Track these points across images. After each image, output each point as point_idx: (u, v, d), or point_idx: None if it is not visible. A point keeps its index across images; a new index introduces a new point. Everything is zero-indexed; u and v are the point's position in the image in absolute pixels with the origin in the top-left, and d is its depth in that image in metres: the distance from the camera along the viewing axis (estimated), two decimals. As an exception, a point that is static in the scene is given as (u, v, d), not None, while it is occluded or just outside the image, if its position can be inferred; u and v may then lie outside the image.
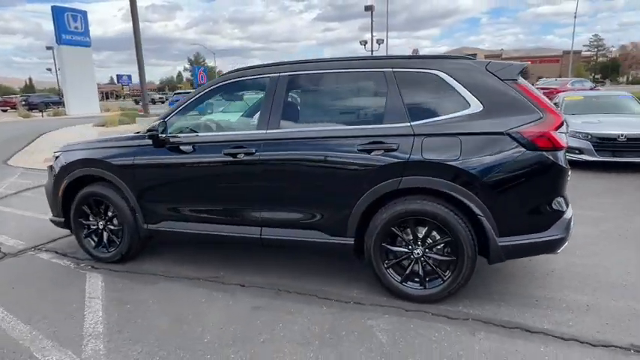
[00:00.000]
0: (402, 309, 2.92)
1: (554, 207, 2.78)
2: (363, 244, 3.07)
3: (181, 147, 3.45)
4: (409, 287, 3.01)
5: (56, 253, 4.24)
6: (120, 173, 3.67)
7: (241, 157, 3.24)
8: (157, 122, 3.50)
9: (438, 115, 2.88)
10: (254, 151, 3.20)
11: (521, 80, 2.88)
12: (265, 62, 3.51)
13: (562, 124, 2.75)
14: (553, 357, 2.39)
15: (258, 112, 3.46)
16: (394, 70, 3.03)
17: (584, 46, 73.40)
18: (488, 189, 2.72)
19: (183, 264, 3.83)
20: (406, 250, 2.99)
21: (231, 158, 3.27)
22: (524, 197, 2.75)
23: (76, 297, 3.27)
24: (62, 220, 4.05)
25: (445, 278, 2.91)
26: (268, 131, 3.22)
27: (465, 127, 2.78)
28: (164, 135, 3.44)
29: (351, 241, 3.08)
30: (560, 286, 3.16)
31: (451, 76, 2.90)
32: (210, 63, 72.97)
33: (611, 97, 9.39)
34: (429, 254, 2.94)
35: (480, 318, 2.78)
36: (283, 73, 3.29)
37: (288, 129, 3.21)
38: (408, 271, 3.01)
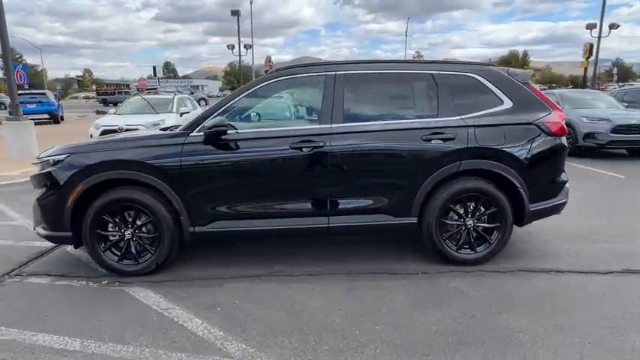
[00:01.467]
0: (464, 272, 3.51)
1: (562, 178, 3.74)
2: (422, 222, 3.56)
3: (240, 143, 3.41)
4: (463, 253, 3.62)
5: (50, 275, 3.60)
6: (162, 175, 3.39)
7: (308, 150, 3.39)
8: (208, 121, 3.37)
9: (481, 110, 3.57)
10: (322, 144, 3.39)
11: (530, 83, 3.77)
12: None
13: (563, 117, 3.72)
14: (581, 282, 3.28)
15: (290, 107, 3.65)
16: (440, 72, 3.61)
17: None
18: (524, 166, 3.51)
19: (228, 265, 3.72)
20: (460, 222, 3.60)
21: (299, 152, 3.40)
22: (545, 171, 3.63)
23: (145, 313, 2.96)
24: (68, 234, 3.48)
25: (492, 242, 3.61)
26: (333, 125, 3.45)
27: (504, 120, 3.53)
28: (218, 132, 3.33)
29: (414, 219, 3.54)
30: (556, 241, 4.17)
31: (485, 79, 3.62)
32: (30, 60, 61.92)
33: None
34: (478, 224, 3.60)
35: (523, 269, 3.56)
36: (339, 72, 3.56)
37: (353, 123, 3.49)
38: (462, 240, 3.62)
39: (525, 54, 71.97)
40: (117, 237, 3.52)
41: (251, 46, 30.57)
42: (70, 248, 4.23)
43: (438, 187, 3.51)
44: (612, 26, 24.11)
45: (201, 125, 3.47)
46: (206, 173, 3.44)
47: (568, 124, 10.14)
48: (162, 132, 3.70)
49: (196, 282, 3.44)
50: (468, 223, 3.59)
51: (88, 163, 3.41)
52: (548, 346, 2.48)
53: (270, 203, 3.51)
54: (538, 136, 3.55)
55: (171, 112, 10.84)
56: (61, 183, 3.42)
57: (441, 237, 3.57)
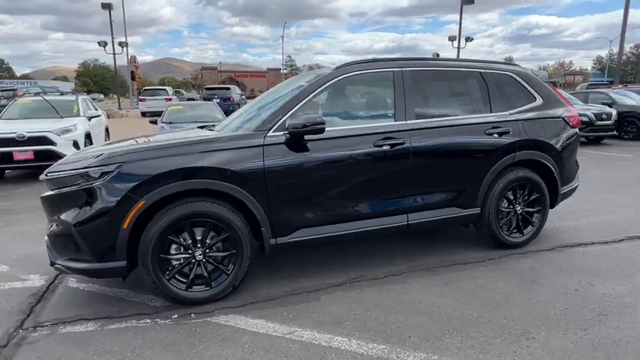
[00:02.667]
0: (519, 254, 3.83)
1: (578, 164, 4.33)
2: (482, 211, 3.78)
3: (323, 142, 3.16)
4: (514, 237, 3.94)
5: (89, 319, 2.84)
6: (242, 182, 2.95)
7: (390, 147, 3.32)
8: (289, 119, 3.04)
9: (521, 106, 3.93)
10: (402, 141, 3.36)
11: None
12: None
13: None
14: (590, 253, 3.89)
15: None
16: (486, 70, 3.88)
17: (282, 64, 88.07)
18: (557, 155, 3.99)
19: (299, 277, 3.41)
20: (510, 209, 3.91)
21: (382, 149, 3.30)
22: (569, 158, 4.16)
23: (268, 341, 2.55)
24: (122, 264, 2.79)
25: (534, 224, 4.01)
26: (409, 122, 3.44)
27: (540, 114, 3.95)
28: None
29: (478, 210, 3.74)
30: (559, 219, 4.79)
31: (520, 77, 4.01)
32: None
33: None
34: (525, 209, 3.96)
35: (560, 245, 4.04)
36: (405, 68, 3.56)
37: (425, 119, 3.52)
38: (512, 225, 3.94)
39: (386, 61, 79.93)
40: (182, 260, 2.94)
41: (127, 44, 27.61)
42: (75, 282, 3.39)
43: (496, 178, 3.75)
44: (468, 39, 28.36)
45: (278, 124, 3.12)
46: (292, 176, 3.10)
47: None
48: (228, 133, 3.19)
49: (284, 299, 3.08)
50: (517, 209, 3.93)
51: (151, 173, 2.78)
52: (651, 305, 2.90)
53: (353, 205, 3.32)
54: (564, 128, 4.06)
55: (77, 115, 9.24)
56: (115, 200, 2.72)
57: (497, 223, 3.84)
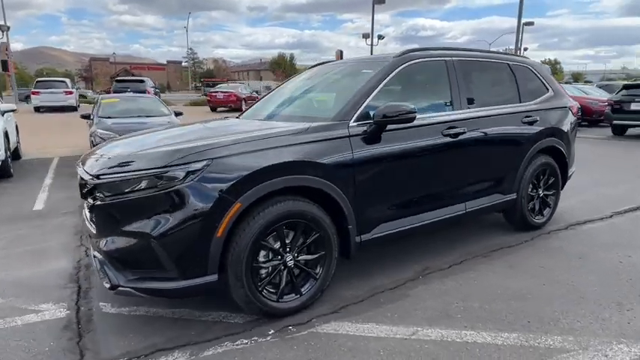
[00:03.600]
0: (541, 235, 4.12)
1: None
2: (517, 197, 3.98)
3: (401, 132, 3.03)
4: (537, 219, 4.22)
5: (180, 347, 2.37)
6: (332, 176, 2.70)
7: (454, 137, 3.33)
8: (381, 109, 2.85)
9: (540, 96, 4.21)
10: (463, 130, 3.38)
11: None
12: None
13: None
14: (600, 229, 4.38)
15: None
16: (512, 62, 4.07)
17: (183, 57, 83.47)
18: (568, 141, 4.36)
19: (368, 276, 3.25)
20: (534, 193, 4.17)
21: (449, 139, 3.29)
22: (573, 144, 4.57)
23: (402, 345, 2.38)
24: (214, 278, 2.38)
25: (551, 206, 4.34)
26: (465, 111, 3.48)
27: (554, 104, 4.27)
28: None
29: (515, 195, 3.92)
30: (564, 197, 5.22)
31: (536, 70, 4.29)
32: None
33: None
34: (545, 192, 4.26)
35: (571, 224, 4.43)
36: (454, 58, 3.58)
37: (477, 108, 3.58)
38: (537, 208, 4.21)
39: (292, 56, 79.87)
40: (270, 267, 2.60)
41: (8, 28, 23.56)
42: (110, 307, 2.83)
43: (528, 165, 3.97)
44: (380, 37, 29.75)
45: (357, 113, 2.91)
46: (377, 169, 2.92)
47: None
48: (313, 123, 2.85)
49: (372, 299, 2.90)
50: (540, 192, 4.21)
51: (246, 170, 2.39)
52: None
53: (426, 195, 3.26)
54: (570, 117, 4.45)
55: (-11, 110, 7.67)
56: (206, 204, 2.30)
57: (527, 208, 4.08)
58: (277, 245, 2.58)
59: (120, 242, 2.36)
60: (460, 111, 3.44)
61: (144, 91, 19.47)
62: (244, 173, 2.38)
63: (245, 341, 2.43)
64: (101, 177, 2.40)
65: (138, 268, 2.37)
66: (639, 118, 11.34)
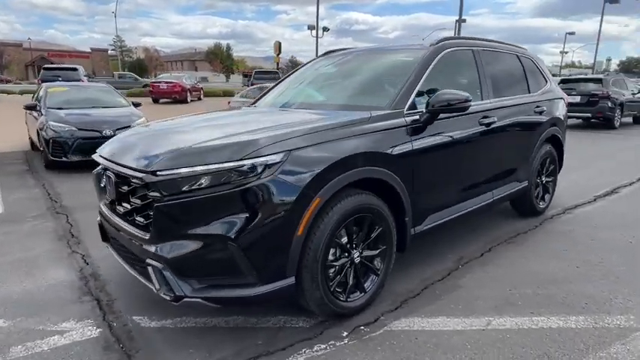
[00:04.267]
0: (545, 219, 4.33)
1: (563, 137, 5.07)
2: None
3: (446, 122, 2.98)
4: (541, 205, 4.42)
5: (259, 358, 2.14)
6: (396, 167, 2.59)
7: (486, 126, 3.36)
8: (438, 97, 2.76)
9: (541, 87, 4.39)
10: (494, 119, 3.43)
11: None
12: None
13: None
14: (595, 212, 4.73)
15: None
16: (519, 54, 4.20)
17: (109, 45, 77.55)
18: (564, 129, 4.60)
19: (413, 267, 3.19)
20: (539, 180, 4.36)
21: (484, 128, 3.31)
22: (564, 131, 4.83)
23: (492, 337, 2.35)
24: (291, 281, 2.18)
25: (551, 192, 4.56)
26: (491, 100, 3.52)
27: (553, 95, 4.48)
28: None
29: (526, 183, 4.07)
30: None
31: (535, 62, 4.46)
32: None
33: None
34: (547, 179, 4.46)
35: (566, 208, 4.69)
36: (480, 48, 3.60)
37: (500, 98, 3.63)
38: (540, 194, 4.41)
39: (229, 47, 77.63)
40: (338, 266, 2.44)
41: None
42: (149, 321, 2.51)
43: (537, 153, 4.13)
44: (325, 29, 29.72)
45: (409, 102, 2.81)
46: (430, 159, 2.86)
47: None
48: (366, 113, 2.67)
49: (428, 292, 2.84)
50: (543, 179, 4.41)
51: (324, 162, 2.21)
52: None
53: (466, 184, 3.27)
54: (563, 107, 4.70)
55: None
56: (288, 199, 2.08)
57: (535, 194, 4.26)
58: (345, 241, 2.43)
59: (186, 247, 2.06)
60: (489, 100, 3.47)
61: (78, 80, 17.81)
62: (323, 166, 2.19)
63: (323, 346, 2.26)
64: (160, 173, 2.08)
65: (207, 275, 2.10)
66: (577, 110, 12.41)
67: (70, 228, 4.10)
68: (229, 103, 13.58)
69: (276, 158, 2.08)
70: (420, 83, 2.93)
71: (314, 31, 28.64)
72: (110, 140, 2.86)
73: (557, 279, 3.02)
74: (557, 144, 4.50)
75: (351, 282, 2.48)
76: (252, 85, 24.58)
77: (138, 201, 2.22)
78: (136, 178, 2.18)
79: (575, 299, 2.73)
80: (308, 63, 4.13)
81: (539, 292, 2.84)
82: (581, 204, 4.87)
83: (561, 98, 4.62)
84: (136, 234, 2.24)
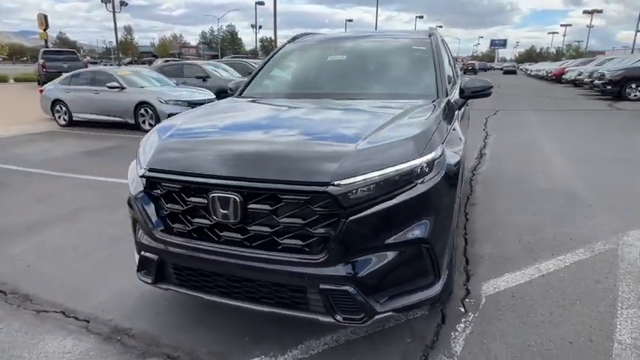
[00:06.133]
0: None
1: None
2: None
3: None
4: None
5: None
6: None
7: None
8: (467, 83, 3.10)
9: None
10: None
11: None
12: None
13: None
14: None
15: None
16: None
17: None
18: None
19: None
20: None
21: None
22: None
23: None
24: (447, 271, 2.21)
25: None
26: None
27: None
28: None
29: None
30: None
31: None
32: None
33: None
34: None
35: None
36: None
37: None
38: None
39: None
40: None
41: None
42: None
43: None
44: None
45: (446, 90, 3.04)
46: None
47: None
48: (428, 101, 2.72)
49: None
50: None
51: (458, 155, 2.31)
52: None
53: None
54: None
55: None
56: (451, 193, 2.14)
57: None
58: None
59: (377, 260, 1.85)
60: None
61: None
62: (459, 157, 2.27)
63: (469, 319, 2.39)
64: (339, 183, 1.78)
65: (392, 285, 1.94)
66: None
67: None
68: (42, 92, 10.96)
69: (440, 151, 2.06)
70: (445, 71, 3.19)
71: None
72: (182, 154, 2.19)
73: None
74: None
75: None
76: (44, 68, 20.02)
77: (294, 220, 1.85)
78: (302, 192, 1.81)
79: None
80: (287, 50, 3.82)
81: (536, 238, 3.56)
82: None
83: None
84: (292, 259, 1.86)
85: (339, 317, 1.89)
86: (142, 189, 2.14)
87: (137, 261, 2.27)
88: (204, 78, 12.29)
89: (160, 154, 2.18)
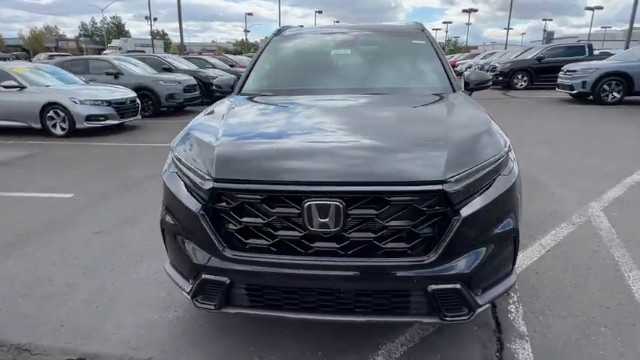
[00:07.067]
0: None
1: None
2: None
3: None
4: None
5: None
6: None
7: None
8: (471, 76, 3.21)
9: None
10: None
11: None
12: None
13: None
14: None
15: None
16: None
17: None
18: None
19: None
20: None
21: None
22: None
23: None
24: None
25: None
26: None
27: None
28: None
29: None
30: None
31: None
32: None
33: None
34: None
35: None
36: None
37: None
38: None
39: None
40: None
41: None
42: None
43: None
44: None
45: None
46: None
47: (147, 88, 11.01)
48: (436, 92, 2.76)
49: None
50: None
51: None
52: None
53: None
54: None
55: None
56: (516, 180, 2.19)
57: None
58: None
59: (480, 255, 1.84)
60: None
61: None
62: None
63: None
64: (454, 179, 1.73)
65: (484, 279, 1.94)
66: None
67: None
68: None
69: (507, 139, 2.13)
70: (446, 64, 3.28)
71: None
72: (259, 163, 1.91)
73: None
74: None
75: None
76: None
77: (400, 222, 1.75)
78: (412, 193, 1.71)
79: None
80: (280, 43, 3.57)
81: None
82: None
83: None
84: (398, 263, 1.77)
85: (446, 316, 1.84)
86: (203, 203, 1.85)
87: (192, 286, 1.97)
88: (115, 74, 11.03)
89: (228, 162, 1.90)
